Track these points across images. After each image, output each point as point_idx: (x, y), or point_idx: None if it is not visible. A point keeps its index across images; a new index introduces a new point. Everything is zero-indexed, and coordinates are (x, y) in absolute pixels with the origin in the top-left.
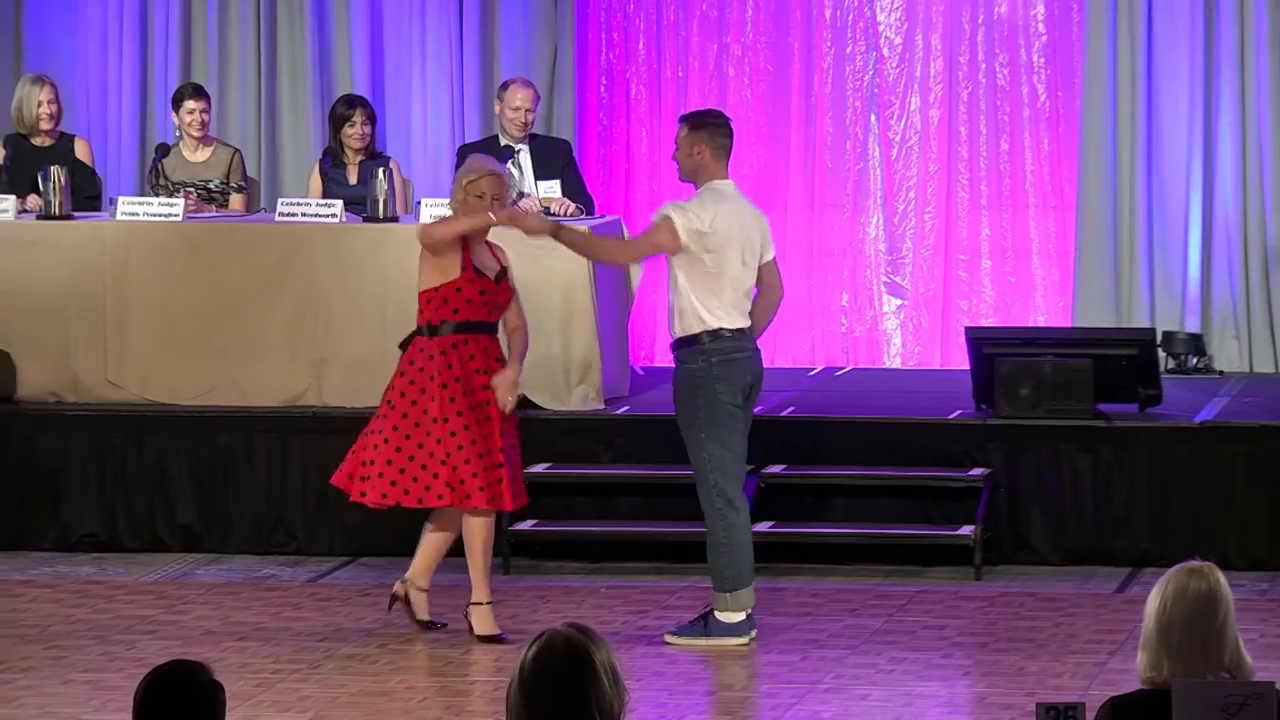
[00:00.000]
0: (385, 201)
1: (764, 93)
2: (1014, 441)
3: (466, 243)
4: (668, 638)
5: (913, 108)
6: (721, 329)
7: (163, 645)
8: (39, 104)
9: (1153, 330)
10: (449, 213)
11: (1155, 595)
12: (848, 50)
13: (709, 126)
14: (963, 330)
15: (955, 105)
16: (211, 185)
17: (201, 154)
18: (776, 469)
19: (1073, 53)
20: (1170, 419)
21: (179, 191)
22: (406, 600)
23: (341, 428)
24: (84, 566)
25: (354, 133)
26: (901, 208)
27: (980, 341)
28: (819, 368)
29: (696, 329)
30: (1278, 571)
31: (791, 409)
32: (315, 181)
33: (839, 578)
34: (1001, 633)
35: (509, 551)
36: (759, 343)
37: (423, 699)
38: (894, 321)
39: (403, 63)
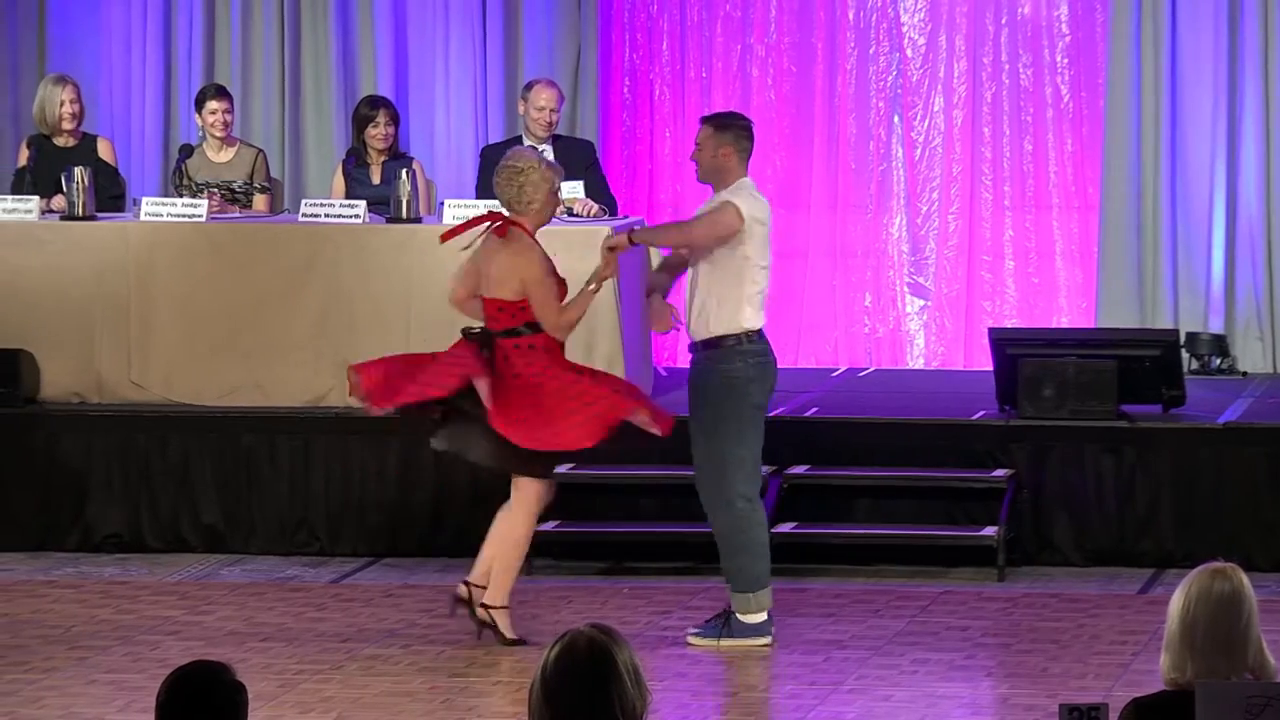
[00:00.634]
0: (408, 202)
1: (787, 93)
2: (1037, 442)
3: None
4: (690, 639)
5: (936, 108)
6: (756, 330)
7: (186, 646)
8: (61, 104)
9: (1176, 331)
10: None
11: (1179, 596)
12: (871, 51)
13: (734, 128)
14: (986, 331)
15: (979, 106)
16: (235, 186)
17: (225, 154)
18: (800, 470)
19: (1096, 53)
20: (1194, 420)
21: (203, 192)
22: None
23: (364, 428)
24: (107, 567)
25: (377, 133)
26: (925, 208)
27: (1003, 342)
28: (842, 368)
29: (734, 329)
30: None
31: (815, 410)
32: (338, 182)
33: (862, 579)
34: (1024, 634)
35: (531, 552)
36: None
37: (445, 699)
38: (917, 322)
39: (426, 63)
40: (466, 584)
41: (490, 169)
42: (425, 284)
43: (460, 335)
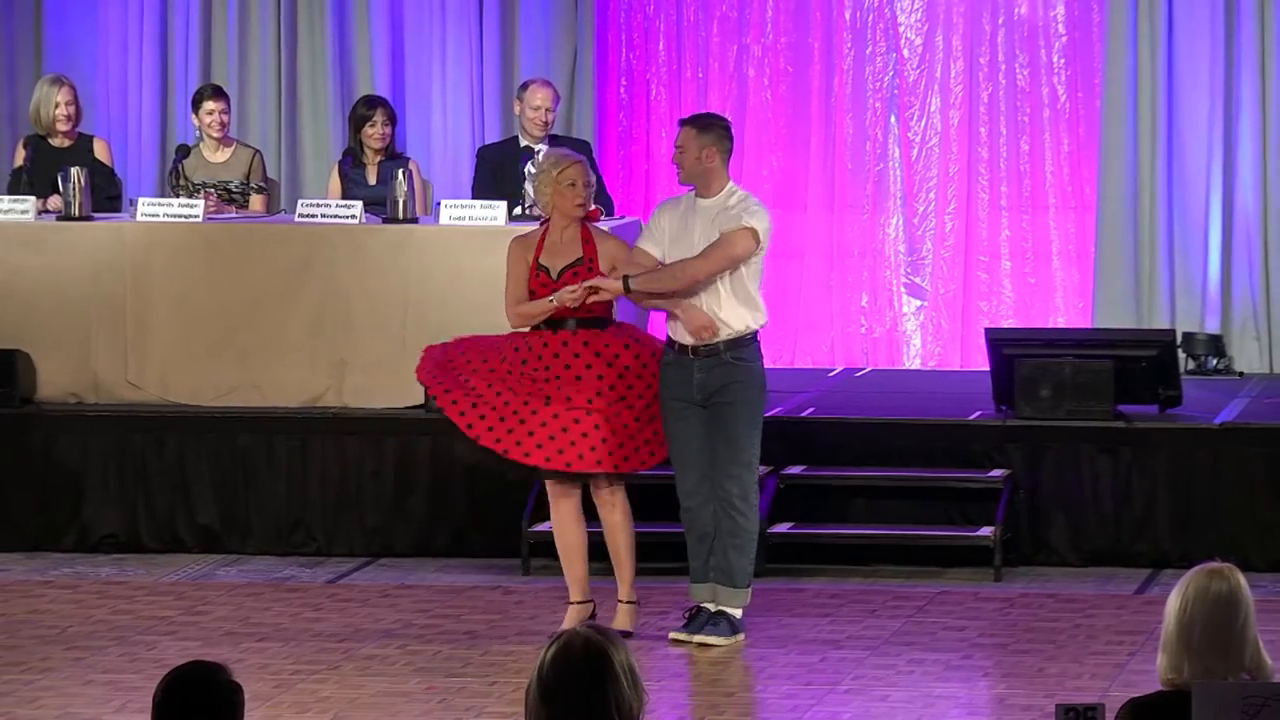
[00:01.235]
0: (405, 202)
1: (784, 94)
2: (1034, 443)
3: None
4: (709, 640)
5: (933, 109)
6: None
7: (182, 646)
8: (57, 105)
9: (1173, 331)
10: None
11: (1175, 596)
12: (868, 51)
13: (716, 129)
14: (982, 331)
15: (975, 106)
16: (232, 186)
17: (222, 155)
18: (796, 470)
19: (1093, 54)
20: (1190, 420)
21: (199, 192)
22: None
23: (361, 429)
24: (104, 567)
25: (374, 133)
26: (921, 209)
27: (1000, 342)
28: (838, 368)
29: (754, 326)
30: None
31: (811, 410)
32: (335, 182)
33: (858, 579)
34: (1021, 634)
35: (528, 553)
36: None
37: (442, 699)
38: (914, 322)
39: (423, 64)
40: (580, 603)
41: (486, 169)
42: (422, 284)
43: None
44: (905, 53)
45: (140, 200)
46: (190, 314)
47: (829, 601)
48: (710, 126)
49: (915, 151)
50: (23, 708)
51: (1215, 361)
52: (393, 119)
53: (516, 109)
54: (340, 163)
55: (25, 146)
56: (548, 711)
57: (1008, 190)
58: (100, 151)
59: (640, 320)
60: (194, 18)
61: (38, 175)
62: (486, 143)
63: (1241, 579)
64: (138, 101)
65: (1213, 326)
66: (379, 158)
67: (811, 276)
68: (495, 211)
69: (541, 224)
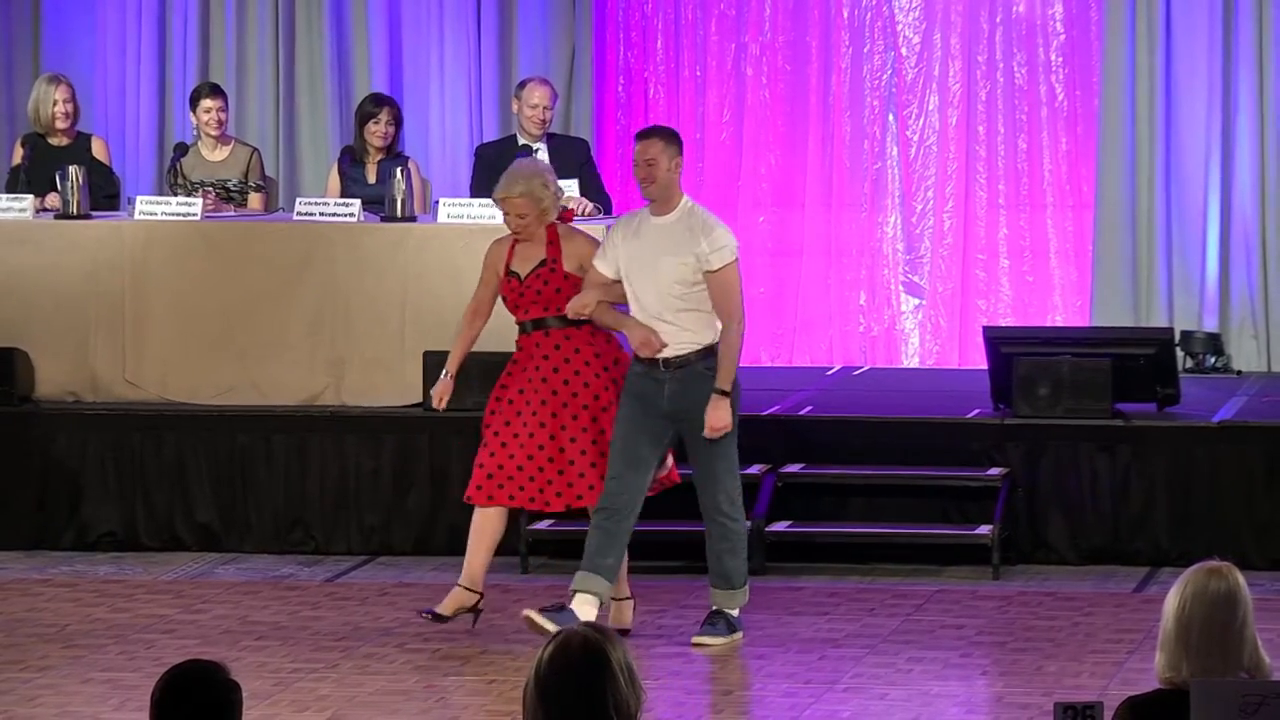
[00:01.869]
0: (403, 201)
1: (782, 92)
2: (1032, 441)
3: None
4: (704, 640)
5: (931, 107)
6: None
7: (181, 644)
8: (54, 103)
9: (1171, 330)
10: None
11: (1174, 595)
12: (866, 50)
13: (679, 141)
14: (981, 330)
15: (973, 105)
16: (230, 184)
17: (220, 153)
18: (794, 468)
19: (1091, 52)
20: (1189, 418)
21: (197, 191)
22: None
23: (360, 427)
24: (102, 566)
25: (377, 130)
26: (920, 207)
27: (998, 341)
28: (837, 367)
29: (711, 340)
30: None
31: (809, 408)
32: (334, 181)
33: (856, 577)
34: (1019, 632)
35: (526, 551)
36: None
37: (440, 698)
38: (912, 321)
39: (421, 62)
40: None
41: (485, 168)
42: (420, 283)
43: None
44: (903, 51)
45: (138, 199)
46: (189, 312)
47: (827, 600)
48: (675, 138)
49: (913, 150)
50: (21, 706)
51: (1213, 360)
52: (398, 119)
53: (514, 107)
54: (339, 161)
55: (23, 145)
56: (545, 709)
57: (1006, 189)
58: (98, 150)
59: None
60: (192, 16)
61: (36, 174)
62: (485, 141)
63: (1240, 578)
64: (136, 100)
65: (1211, 325)
66: (379, 156)
67: (810, 275)
68: (494, 210)
69: None
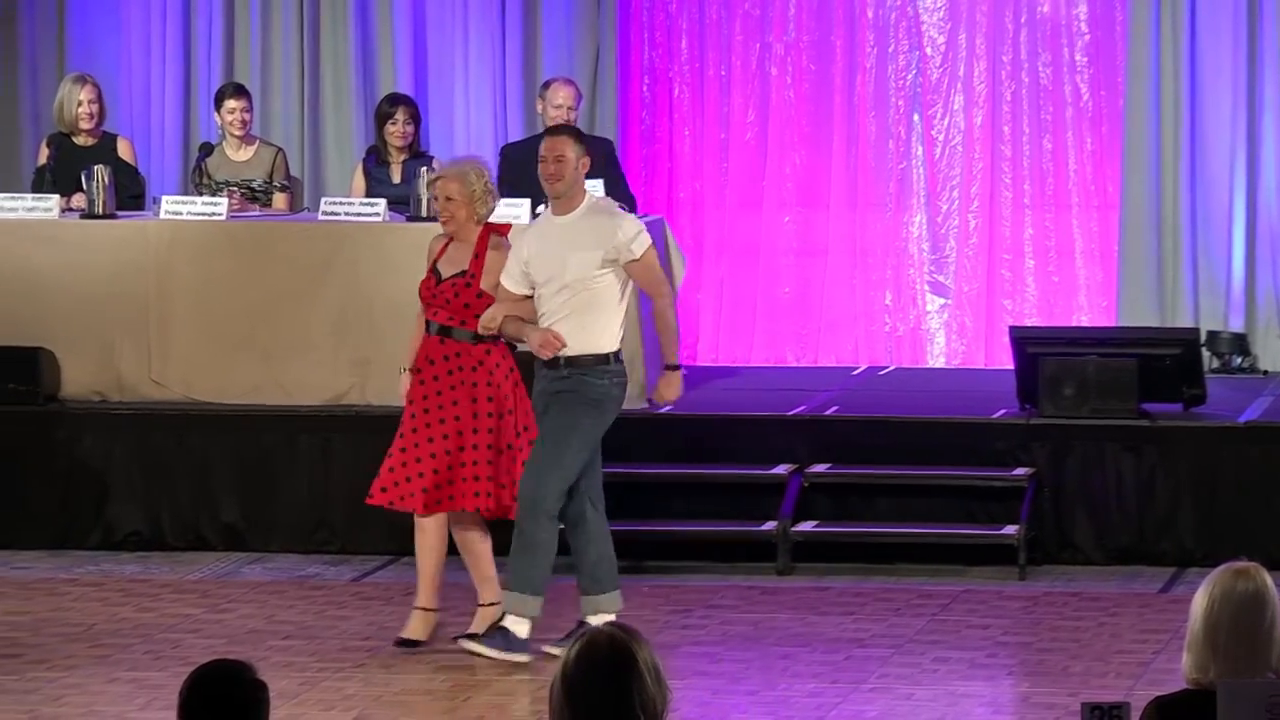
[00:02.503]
0: (428, 201)
1: (807, 92)
2: (1058, 441)
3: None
4: (469, 644)
5: (956, 107)
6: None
7: (207, 644)
8: (79, 103)
9: (1196, 330)
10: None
11: (1201, 596)
12: (891, 49)
13: (585, 141)
14: (1006, 330)
15: (998, 105)
16: (255, 184)
17: (245, 153)
18: (820, 468)
19: (1115, 52)
20: (1214, 419)
21: (222, 191)
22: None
23: (384, 427)
24: (128, 565)
25: (396, 130)
26: (945, 207)
27: (1024, 341)
28: (862, 367)
29: (610, 348)
30: None
31: (835, 408)
32: (358, 181)
33: (882, 577)
34: (1046, 632)
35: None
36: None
37: (466, 698)
38: (937, 321)
39: (445, 62)
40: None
41: (510, 167)
42: None
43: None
44: (928, 51)
45: (164, 199)
46: (213, 312)
47: (853, 600)
48: (583, 136)
49: (938, 150)
50: (47, 705)
51: (1239, 360)
52: (416, 117)
53: (539, 107)
54: (364, 161)
55: (49, 145)
56: (572, 708)
57: (1031, 189)
58: (123, 150)
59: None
60: (216, 16)
61: (61, 174)
62: (509, 141)
63: (1267, 578)
64: (160, 100)
65: (1237, 325)
66: (402, 156)
67: (835, 275)
68: (518, 210)
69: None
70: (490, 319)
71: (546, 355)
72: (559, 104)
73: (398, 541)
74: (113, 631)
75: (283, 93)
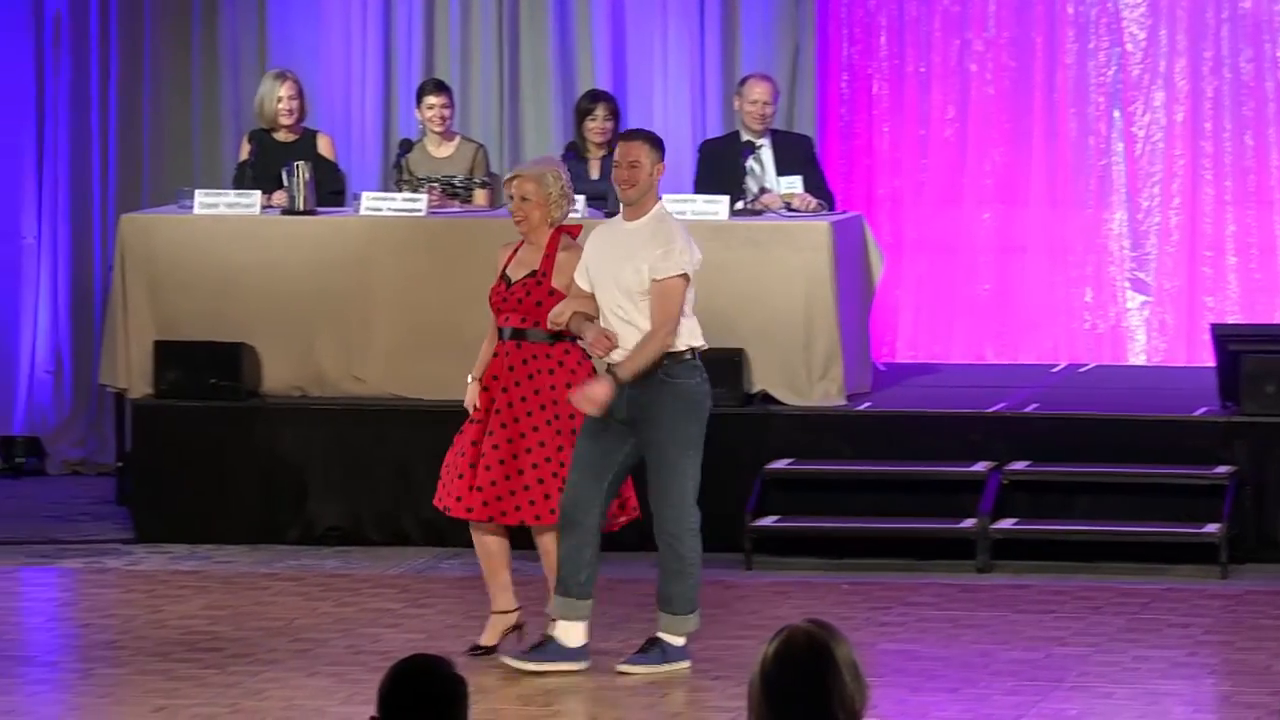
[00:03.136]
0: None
1: (1006, 89)
2: (1260, 439)
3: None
4: (622, 668)
5: (1157, 103)
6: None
7: (407, 639)
8: (279, 99)
9: None
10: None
11: None
12: (1091, 46)
13: (662, 148)
14: (1208, 327)
15: (1200, 101)
16: (455, 180)
17: (445, 149)
18: (1019, 465)
19: None
20: None
21: (422, 187)
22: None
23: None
24: (329, 560)
25: (595, 126)
26: (1145, 204)
27: (1226, 338)
28: (1062, 364)
29: (684, 346)
30: None
31: (1035, 406)
32: None
33: (1082, 575)
34: (1247, 631)
35: (750, 548)
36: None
37: (664, 693)
38: (1138, 318)
39: (644, 59)
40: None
41: (709, 164)
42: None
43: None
44: (1129, 47)
45: (364, 195)
46: (413, 308)
47: (1052, 598)
48: (659, 142)
49: (1139, 147)
50: (248, 699)
51: None
52: (615, 114)
53: (736, 104)
54: (562, 157)
55: (250, 141)
56: (770, 706)
57: (1232, 185)
58: (324, 146)
59: None
60: (416, 13)
61: (262, 170)
62: (709, 137)
63: None
64: (361, 96)
65: None
66: (601, 152)
67: (1034, 272)
68: (717, 206)
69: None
70: (559, 313)
71: (598, 354)
72: (755, 99)
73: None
74: (313, 626)
75: (482, 89)
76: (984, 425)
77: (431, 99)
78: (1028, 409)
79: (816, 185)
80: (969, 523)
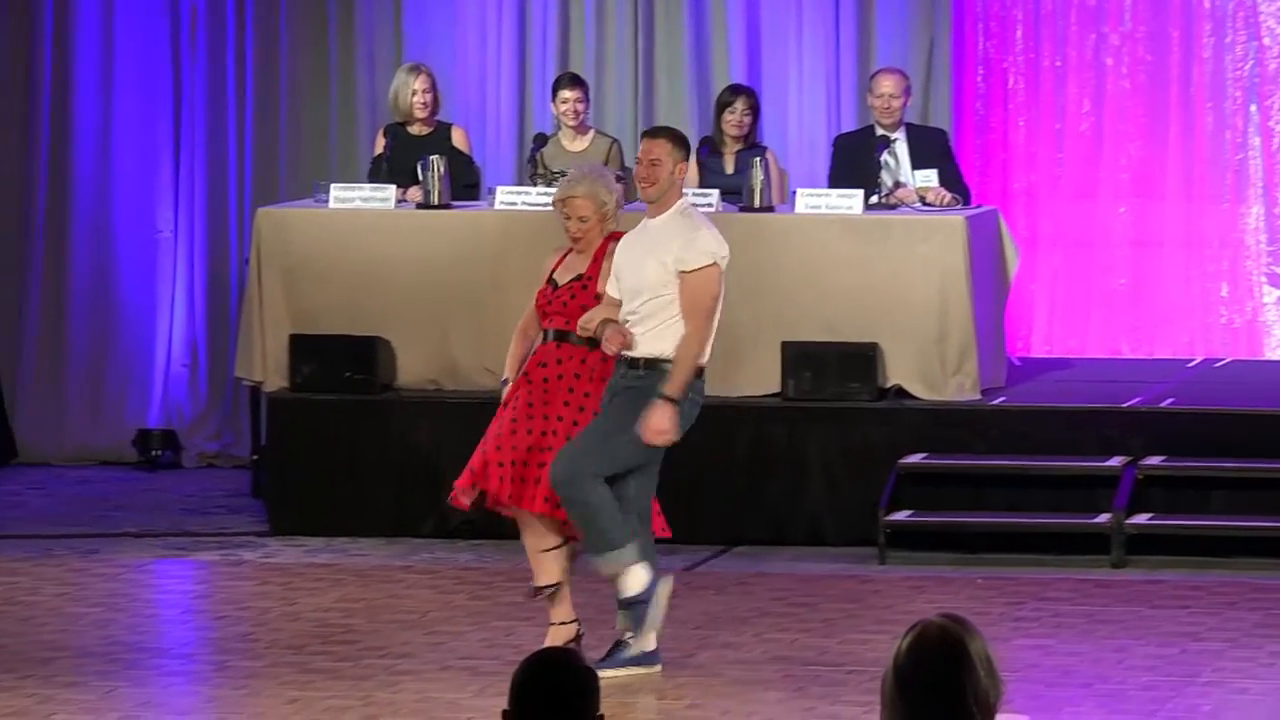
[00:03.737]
0: (760, 191)
1: (1142, 83)
2: None
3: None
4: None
5: None
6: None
7: (539, 632)
8: (414, 92)
9: None
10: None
11: None
12: (1227, 40)
13: (686, 144)
14: None
15: None
16: None
17: (580, 143)
18: (1155, 460)
19: None
20: None
21: (557, 180)
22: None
23: (716, 417)
24: (463, 553)
25: (733, 120)
26: None
27: None
28: (1198, 359)
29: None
30: None
31: (1170, 400)
32: (691, 171)
33: (1218, 570)
34: None
35: (884, 542)
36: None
37: (798, 688)
38: (1274, 312)
39: (779, 53)
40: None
41: (843, 158)
42: (777, 273)
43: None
44: (1266, 41)
45: (499, 189)
46: None
47: (1188, 593)
48: (683, 141)
49: (1276, 141)
50: (382, 691)
51: None
52: (755, 109)
53: (869, 99)
54: (698, 151)
55: (385, 135)
56: (903, 701)
57: None
58: (458, 139)
59: None
60: (552, 6)
61: (397, 163)
62: (843, 131)
63: None
64: (496, 90)
65: None
66: (737, 146)
67: (1170, 266)
68: (852, 200)
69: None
70: (589, 319)
71: (611, 350)
72: (882, 93)
73: (728, 532)
74: (447, 619)
75: (617, 83)
76: (1119, 420)
77: (566, 93)
78: (1163, 404)
79: (952, 179)
80: (1104, 518)
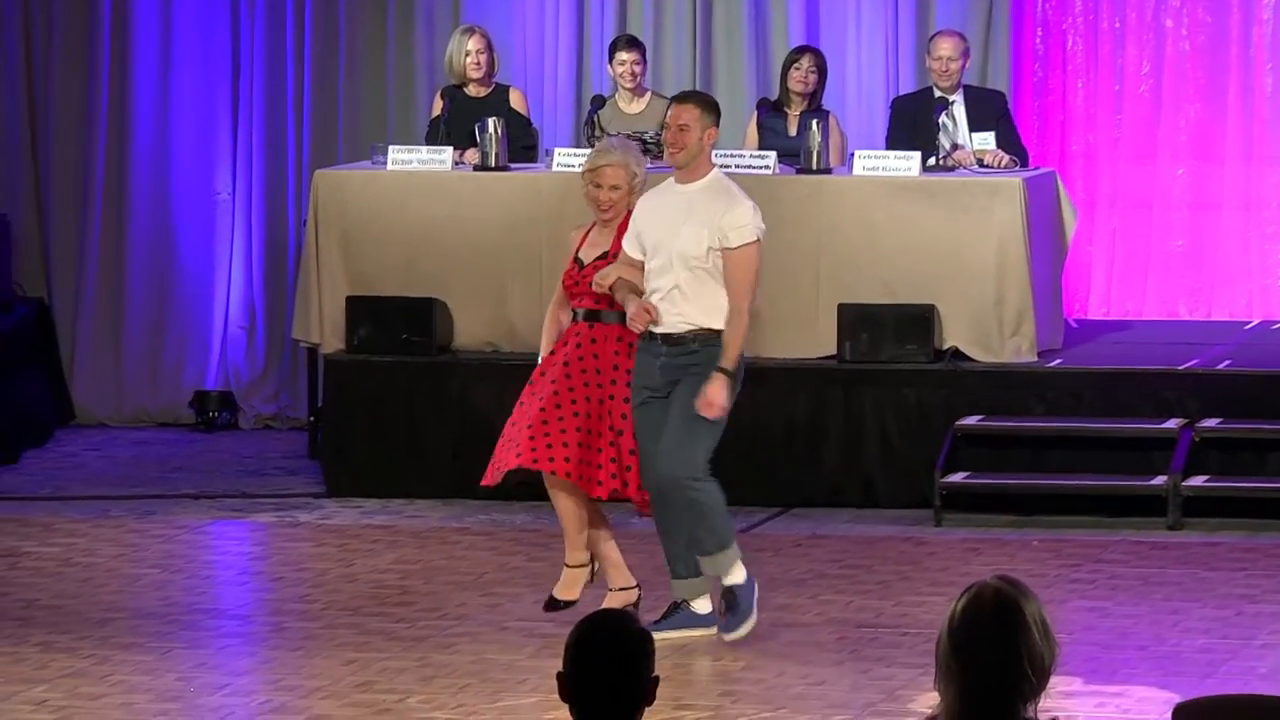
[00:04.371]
0: (819, 153)
1: (1202, 44)
2: None
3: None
4: (665, 634)
5: None
6: None
7: (596, 593)
8: (467, 53)
9: None
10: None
11: None
12: None
13: (717, 109)
14: None
15: None
16: (647, 137)
17: (637, 105)
18: (1211, 423)
19: None
20: None
21: None
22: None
23: (773, 380)
24: (519, 514)
25: (799, 75)
26: None
27: None
28: (1255, 321)
29: (718, 325)
30: None
31: (1228, 362)
32: (751, 132)
33: (1274, 533)
34: None
35: (940, 504)
36: None
37: (853, 649)
38: None
39: (838, 15)
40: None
41: (901, 120)
42: (835, 235)
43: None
44: None
45: (556, 151)
46: None
47: (1245, 555)
48: (713, 106)
49: None
50: (438, 653)
51: None
52: (821, 69)
53: (927, 60)
54: (757, 112)
55: (443, 97)
56: (958, 662)
57: None
58: (516, 101)
59: None
60: None
61: (455, 125)
62: (901, 94)
63: None
64: (554, 52)
65: None
66: (802, 105)
67: (1228, 228)
68: (909, 162)
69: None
70: (604, 275)
71: (637, 328)
72: (939, 55)
73: (786, 494)
74: (504, 580)
75: (675, 45)
76: (1176, 382)
77: (624, 55)
78: (1220, 366)
79: (1010, 141)
80: (1160, 480)
